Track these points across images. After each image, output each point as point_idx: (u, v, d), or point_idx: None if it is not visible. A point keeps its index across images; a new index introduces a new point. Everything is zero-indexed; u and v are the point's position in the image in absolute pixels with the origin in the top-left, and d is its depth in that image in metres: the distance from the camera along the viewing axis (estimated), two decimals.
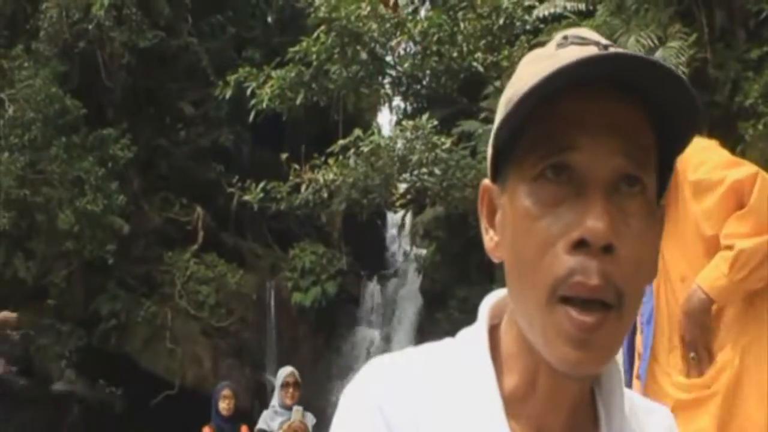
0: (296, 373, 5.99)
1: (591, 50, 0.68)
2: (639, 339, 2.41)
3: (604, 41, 0.70)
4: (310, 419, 5.87)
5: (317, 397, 12.25)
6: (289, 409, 5.74)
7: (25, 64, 13.99)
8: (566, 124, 0.67)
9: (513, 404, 0.73)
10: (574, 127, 0.67)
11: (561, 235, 0.67)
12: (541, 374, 0.72)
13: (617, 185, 0.68)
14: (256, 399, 14.36)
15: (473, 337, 0.77)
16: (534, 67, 0.69)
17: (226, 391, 6.45)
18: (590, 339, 0.67)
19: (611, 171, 0.67)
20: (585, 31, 0.72)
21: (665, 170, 0.72)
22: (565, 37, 0.71)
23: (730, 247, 2.18)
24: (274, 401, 5.97)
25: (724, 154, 2.33)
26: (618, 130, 0.67)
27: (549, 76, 0.64)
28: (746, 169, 2.23)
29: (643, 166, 0.68)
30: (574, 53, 0.68)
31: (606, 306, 0.67)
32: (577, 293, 0.66)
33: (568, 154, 0.67)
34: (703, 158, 2.28)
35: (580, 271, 0.66)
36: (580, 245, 0.66)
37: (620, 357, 2.49)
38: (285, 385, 5.86)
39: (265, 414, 5.92)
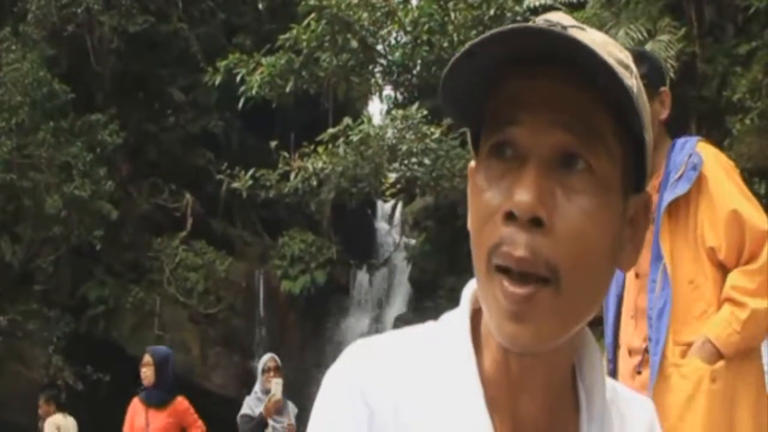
0: (276, 358, 6.02)
1: None
2: (633, 332, 2.43)
3: (568, 23, 0.70)
4: (291, 408, 5.90)
5: (305, 384, 12.30)
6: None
7: (13, 47, 13.87)
8: (510, 101, 0.68)
9: (492, 387, 0.73)
10: (515, 104, 0.68)
11: (498, 208, 0.68)
12: (509, 354, 0.72)
13: (561, 162, 0.68)
14: (245, 387, 14.37)
15: (455, 320, 0.77)
16: None
17: (146, 357, 5.74)
18: (523, 311, 0.67)
19: (550, 145, 0.67)
20: (557, 15, 0.72)
21: (638, 155, 0.71)
22: (535, 21, 0.72)
23: (739, 304, 2.26)
24: (257, 387, 6.01)
25: (741, 184, 2.41)
26: (560, 107, 0.67)
27: (460, 54, 0.66)
28: (761, 218, 2.31)
29: (589, 146, 0.67)
30: None
31: (543, 280, 0.66)
32: (506, 263, 0.67)
33: (509, 128, 0.68)
34: (724, 176, 2.35)
35: (508, 241, 0.67)
36: (510, 217, 0.67)
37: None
38: (266, 370, 5.89)
39: (249, 400, 5.93)
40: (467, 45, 0.67)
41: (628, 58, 0.72)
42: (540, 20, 0.71)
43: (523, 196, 0.66)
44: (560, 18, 0.71)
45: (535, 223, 0.66)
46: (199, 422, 5.73)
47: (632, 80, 0.70)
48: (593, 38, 0.69)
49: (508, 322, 0.67)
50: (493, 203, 0.68)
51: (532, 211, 0.66)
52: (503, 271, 0.67)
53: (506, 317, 0.67)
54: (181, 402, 5.71)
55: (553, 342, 0.69)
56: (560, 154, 0.68)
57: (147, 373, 5.60)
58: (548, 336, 0.68)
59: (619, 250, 0.72)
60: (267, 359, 5.99)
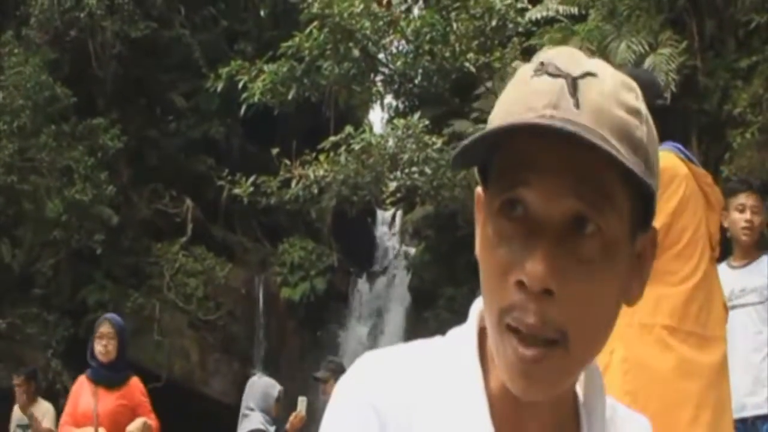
0: (281, 389, 6.22)
1: (558, 85, 0.69)
2: None
3: (578, 71, 0.70)
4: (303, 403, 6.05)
5: (304, 392, 12.27)
6: (273, 423, 5.94)
7: (15, 51, 13.90)
8: (520, 162, 0.69)
9: (498, 406, 0.75)
10: (526, 166, 0.69)
11: (510, 269, 0.69)
12: None
13: (571, 227, 0.69)
14: (241, 393, 14.33)
15: (463, 337, 0.78)
16: (510, 95, 0.72)
17: (106, 327, 4.66)
18: (532, 370, 0.69)
19: (561, 211, 0.68)
20: (564, 57, 0.72)
21: (646, 209, 0.73)
22: (542, 63, 0.71)
23: None
24: (261, 407, 6.07)
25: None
26: (571, 171, 0.68)
27: (466, 143, 0.69)
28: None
29: (599, 209, 0.68)
30: (543, 86, 0.69)
31: (552, 341, 0.68)
32: (517, 326, 0.69)
33: (519, 190, 0.69)
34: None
35: (519, 308, 0.68)
36: (521, 285, 0.68)
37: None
38: (279, 400, 6.03)
39: (259, 416, 5.95)
40: (474, 136, 0.68)
41: (638, 99, 0.72)
42: (549, 65, 0.70)
43: (534, 268, 0.67)
44: (569, 63, 0.71)
45: (546, 293, 0.68)
46: (153, 414, 4.83)
47: (642, 128, 0.71)
48: (603, 89, 0.70)
49: (519, 379, 0.70)
50: (504, 263, 0.70)
51: (543, 284, 0.67)
52: (514, 329, 0.69)
53: (517, 374, 0.70)
54: (137, 383, 4.81)
55: (562, 389, 0.73)
56: (571, 220, 0.69)
57: (108, 348, 4.59)
58: (557, 388, 0.72)
59: (626, 289, 0.74)
60: (281, 391, 6.09)
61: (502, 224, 0.71)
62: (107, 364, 4.63)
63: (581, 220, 0.69)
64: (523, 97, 0.70)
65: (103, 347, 4.61)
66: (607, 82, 0.71)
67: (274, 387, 6.08)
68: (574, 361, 0.71)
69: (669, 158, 2.35)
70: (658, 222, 2.20)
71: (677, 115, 7.77)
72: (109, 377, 4.66)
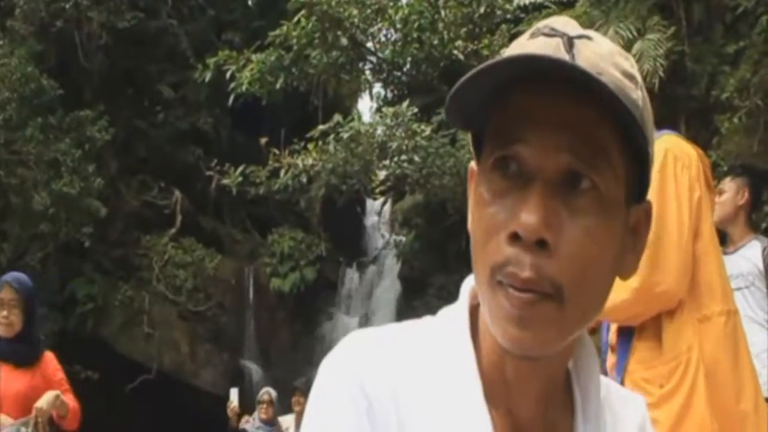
0: (271, 392, 6.63)
1: (554, 43, 0.69)
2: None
3: (574, 32, 0.71)
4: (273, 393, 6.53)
5: (294, 381, 12.28)
6: (267, 423, 6.41)
7: (0, 43, 13.77)
8: (516, 117, 0.69)
9: (489, 383, 0.74)
10: (522, 121, 0.68)
11: (503, 225, 0.69)
12: (506, 355, 0.73)
13: (565, 182, 0.68)
14: (234, 385, 14.33)
15: (454, 315, 0.78)
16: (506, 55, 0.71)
17: (6, 291, 3.82)
18: (527, 317, 0.68)
19: (556, 166, 0.68)
20: (560, 22, 0.72)
21: (641, 166, 0.72)
22: (539, 28, 0.72)
23: None
24: (255, 414, 6.57)
25: (668, 180, 2.30)
26: (567, 126, 0.68)
27: (463, 80, 0.67)
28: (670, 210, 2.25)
29: (594, 165, 0.68)
30: (539, 44, 0.70)
31: (547, 295, 0.68)
32: (511, 282, 0.68)
33: (515, 146, 0.69)
34: (656, 177, 2.27)
35: (514, 262, 0.68)
36: (515, 237, 0.68)
37: None
38: (260, 402, 6.47)
39: (255, 422, 6.40)
40: (473, 71, 0.67)
41: (633, 67, 0.72)
42: (545, 27, 0.71)
43: (529, 218, 0.67)
44: (565, 26, 0.71)
45: (540, 245, 0.67)
46: (71, 394, 3.99)
47: (638, 92, 0.71)
48: (599, 50, 0.70)
49: (513, 327, 0.69)
50: (498, 219, 0.69)
51: (537, 234, 0.67)
52: (508, 286, 0.69)
53: (510, 322, 0.69)
54: (52, 359, 3.96)
55: (554, 348, 0.71)
56: (566, 175, 0.69)
57: (11, 318, 3.74)
58: (550, 342, 0.70)
59: (620, 260, 0.74)
60: (262, 392, 6.63)
61: (496, 181, 0.70)
62: (13, 338, 3.77)
63: (576, 176, 0.69)
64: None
65: (3, 318, 3.73)
66: (603, 46, 0.71)
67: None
68: (567, 320, 0.70)
69: (677, 141, 2.38)
70: (692, 202, 2.23)
71: (666, 101, 7.79)
72: (17, 353, 3.78)
